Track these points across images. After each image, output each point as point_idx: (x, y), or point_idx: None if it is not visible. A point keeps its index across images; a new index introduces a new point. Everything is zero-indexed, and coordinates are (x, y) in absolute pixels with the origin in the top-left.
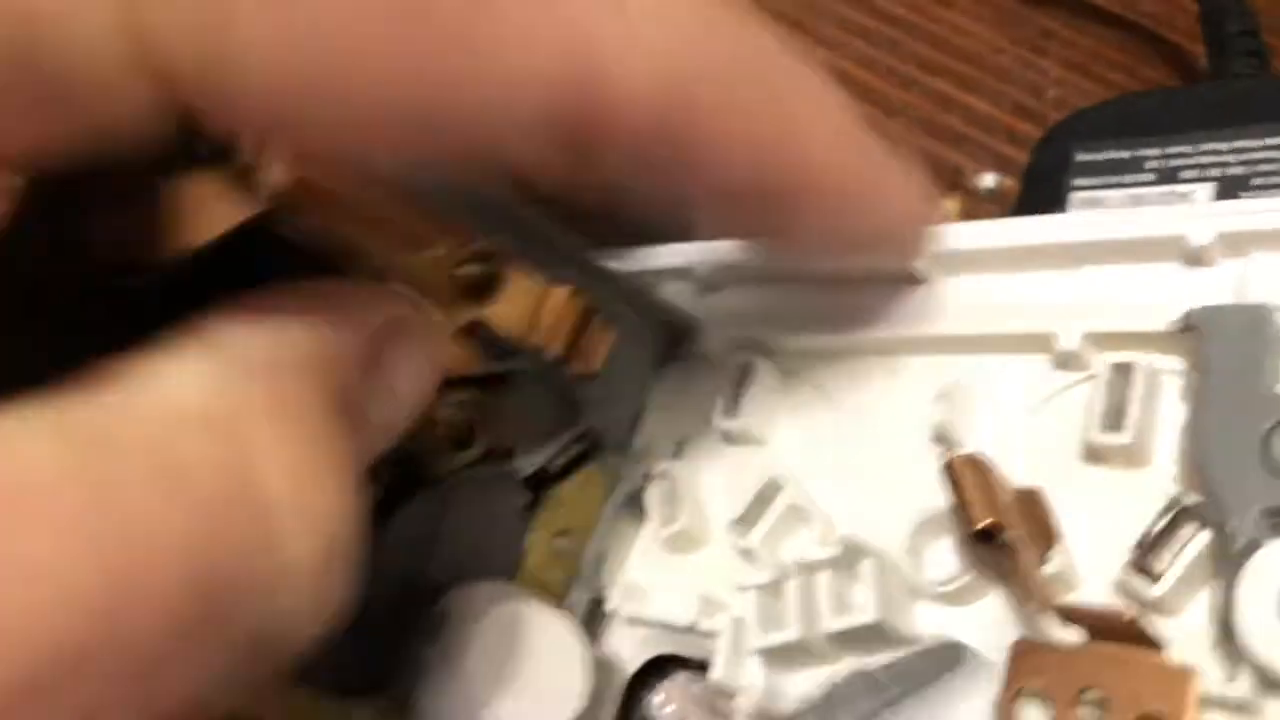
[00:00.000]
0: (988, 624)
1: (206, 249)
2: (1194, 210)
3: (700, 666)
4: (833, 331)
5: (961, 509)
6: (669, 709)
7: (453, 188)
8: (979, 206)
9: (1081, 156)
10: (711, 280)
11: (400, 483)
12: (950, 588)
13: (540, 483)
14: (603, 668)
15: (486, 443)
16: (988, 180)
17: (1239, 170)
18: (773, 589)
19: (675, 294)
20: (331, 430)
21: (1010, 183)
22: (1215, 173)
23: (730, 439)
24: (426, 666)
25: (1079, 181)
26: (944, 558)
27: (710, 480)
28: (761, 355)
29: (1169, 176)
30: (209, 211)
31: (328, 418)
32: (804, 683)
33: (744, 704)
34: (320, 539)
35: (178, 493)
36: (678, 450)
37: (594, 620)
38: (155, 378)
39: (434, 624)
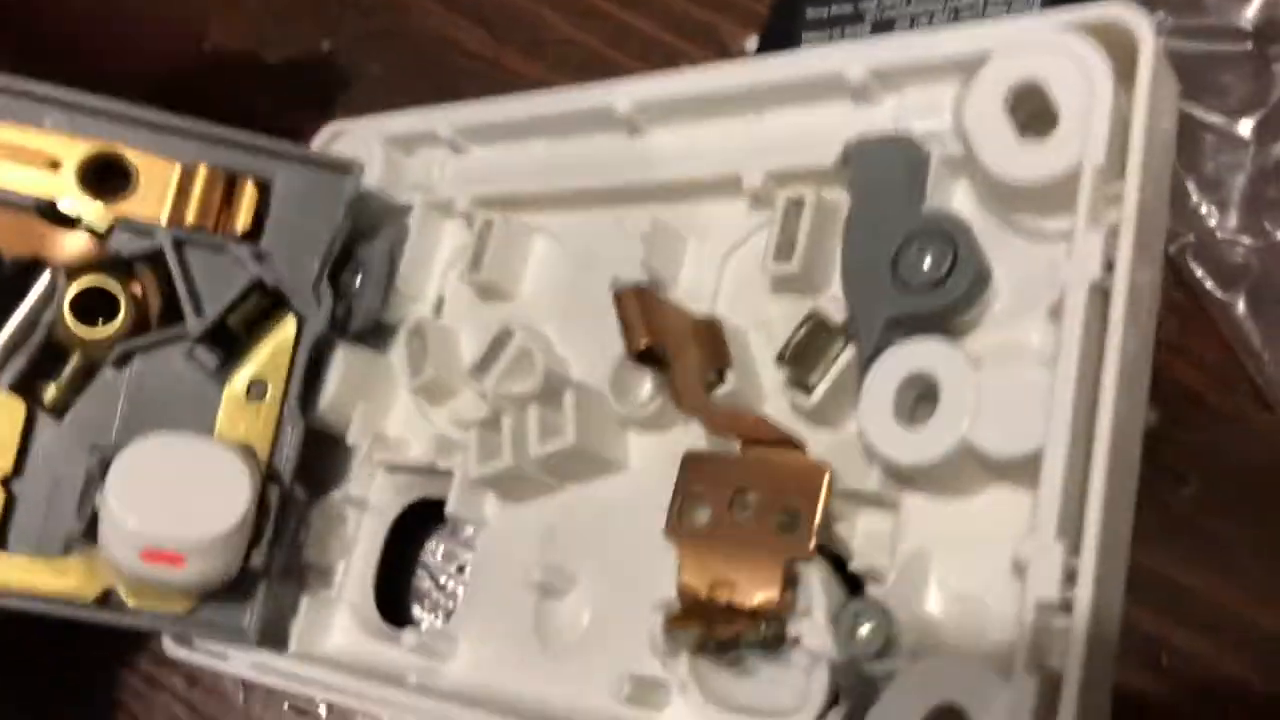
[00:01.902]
0: (691, 444)
1: None
2: (849, 46)
3: None
4: (562, 184)
5: (625, 333)
6: (440, 551)
7: None
8: None
9: (811, 13)
10: (457, 142)
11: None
12: (646, 412)
13: (229, 341)
14: (361, 510)
15: (134, 315)
16: (751, 44)
17: (945, 18)
18: (492, 423)
19: (430, 157)
20: None
21: None
22: (924, 20)
23: (482, 294)
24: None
25: (809, 36)
26: (645, 387)
27: (465, 332)
28: (503, 211)
29: (885, 26)
30: None
31: None
32: (534, 513)
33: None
34: None
35: None
36: (438, 306)
37: (332, 459)
38: None
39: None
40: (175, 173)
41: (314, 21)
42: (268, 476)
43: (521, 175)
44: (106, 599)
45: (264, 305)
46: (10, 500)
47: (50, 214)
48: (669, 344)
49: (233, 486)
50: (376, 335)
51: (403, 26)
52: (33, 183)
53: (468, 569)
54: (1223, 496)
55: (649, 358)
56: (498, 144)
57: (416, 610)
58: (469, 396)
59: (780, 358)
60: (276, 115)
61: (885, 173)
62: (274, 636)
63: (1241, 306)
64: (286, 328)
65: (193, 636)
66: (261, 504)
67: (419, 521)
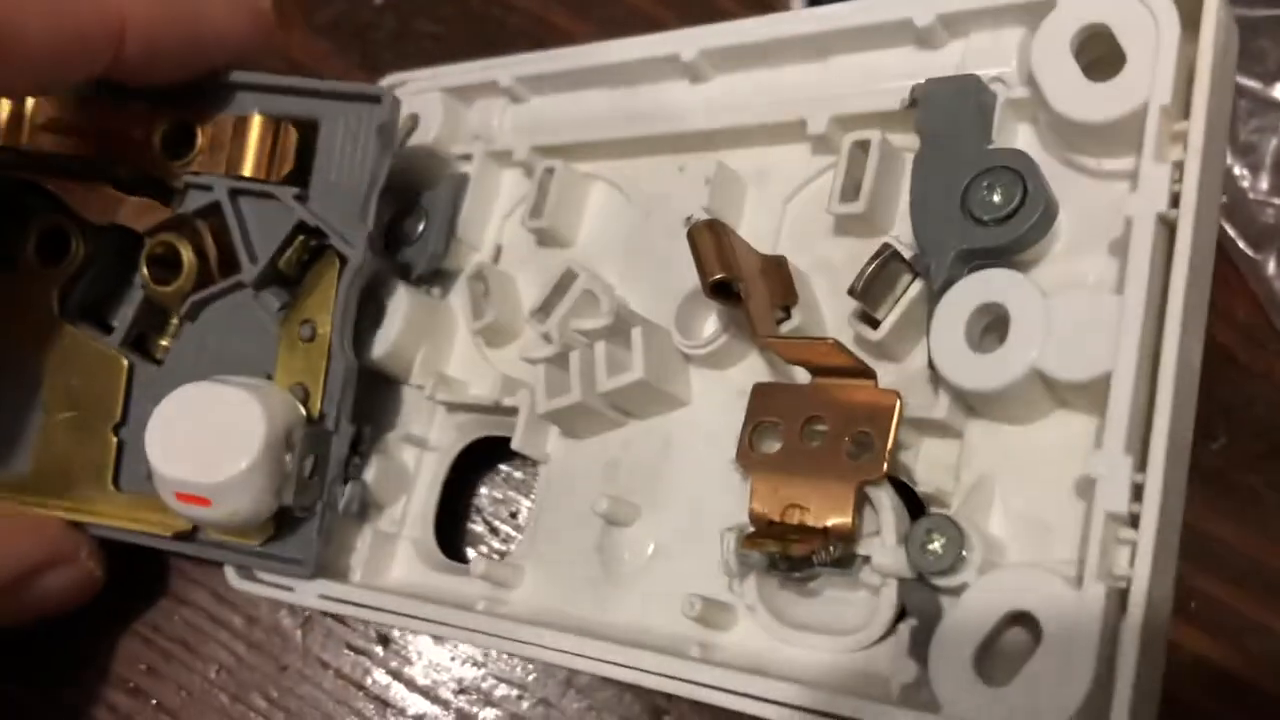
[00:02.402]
0: (750, 380)
1: None
2: None
3: None
4: (622, 132)
5: (699, 267)
6: (495, 493)
7: None
8: None
9: None
10: (516, 92)
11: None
12: (710, 349)
13: (285, 284)
14: (422, 448)
15: (198, 268)
16: (797, 3)
17: None
18: (560, 360)
19: (489, 108)
20: None
21: None
22: None
23: (545, 240)
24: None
25: None
26: (708, 325)
27: (523, 278)
28: (563, 159)
29: None
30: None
31: None
32: (596, 448)
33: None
34: None
35: None
36: (497, 253)
37: (394, 399)
38: None
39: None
40: (230, 125)
41: None
42: (317, 415)
43: (581, 124)
44: (192, 533)
45: (312, 247)
46: (121, 445)
47: (126, 184)
48: (741, 278)
49: (247, 429)
50: (437, 280)
51: None
52: (123, 153)
53: (532, 501)
54: (1252, 451)
55: (721, 292)
56: (557, 94)
57: (469, 551)
58: (530, 338)
59: (852, 291)
60: (326, 72)
61: (954, 113)
62: (335, 570)
63: (1272, 266)
64: (332, 267)
65: (255, 570)
66: (290, 443)
67: (471, 462)
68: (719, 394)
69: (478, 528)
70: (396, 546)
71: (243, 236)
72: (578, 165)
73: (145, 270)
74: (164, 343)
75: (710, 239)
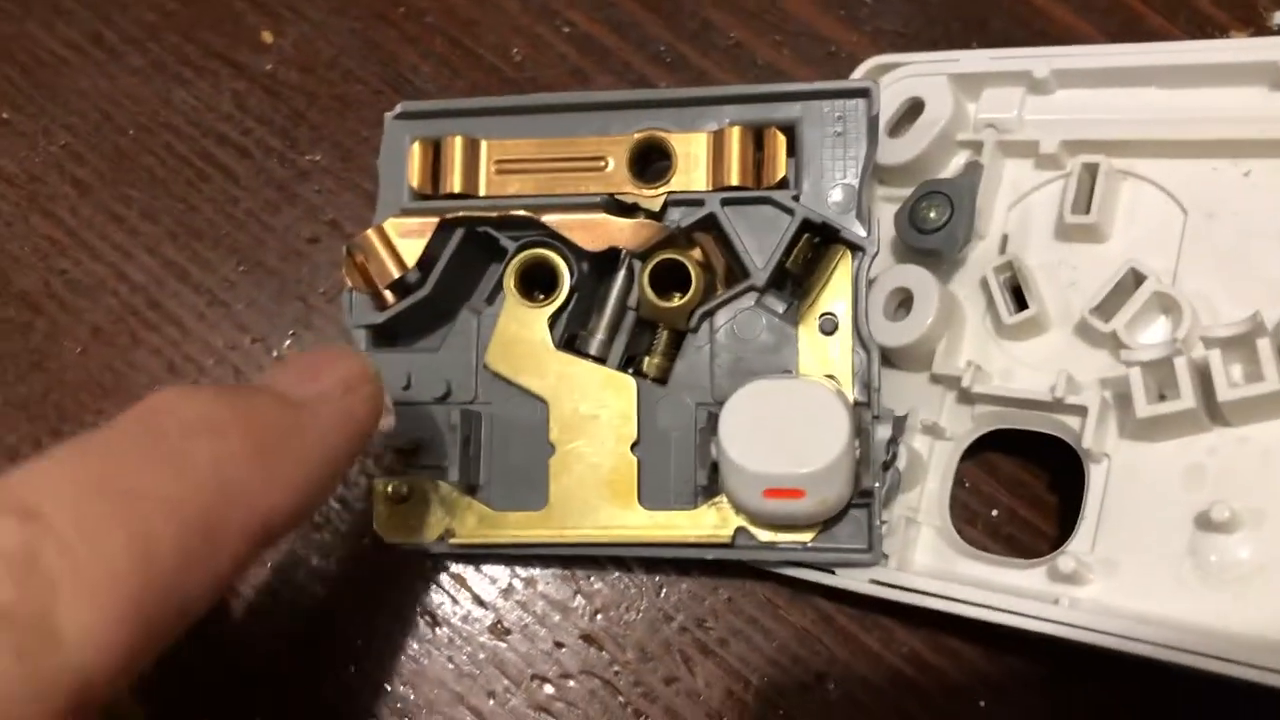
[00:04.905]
0: None
1: None
2: None
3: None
4: (1182, 134)
5: None
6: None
7: None
8: None
9: None
10: (1048, 84)
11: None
12: None
13: (791, 283)
14: (936, 436)
15: (704, 279)
16: (1278, 18)
17: None
18: (1162, 365)
19: (1001, 97)
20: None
21: None
22: None
23: (1071, 235)
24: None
25: None
26: None
27: (1054, 273)
28: (1105, 155)
29: None
30: None
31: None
32: (1170, 452)
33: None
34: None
35: None
36: (1003, 244)
37: (906, 387)
38: None
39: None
40: (707, 142)
41: None
42: (855, 403)
43: (1117, 122)
44: (737, 538)
45: (815, 242)
46: (640, 464)
47: (611, 208)
48: None
49: (831, 416)
50: (941, 270)
51: None
52: (592, 183)
53: (1093, 500)
54: None
55: None
56: (1089, 89)
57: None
58: (1058, 335)
59: None
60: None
61: None
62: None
63: None
64: (841, 259)
65: (809, 565)
66: (859, 429)
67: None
68: None
69: (986, 514)
70: (919, 533)
71: (743, 244)
72: (1117, 161)
73: (648, 290)
74: (653, 360)
75: None
